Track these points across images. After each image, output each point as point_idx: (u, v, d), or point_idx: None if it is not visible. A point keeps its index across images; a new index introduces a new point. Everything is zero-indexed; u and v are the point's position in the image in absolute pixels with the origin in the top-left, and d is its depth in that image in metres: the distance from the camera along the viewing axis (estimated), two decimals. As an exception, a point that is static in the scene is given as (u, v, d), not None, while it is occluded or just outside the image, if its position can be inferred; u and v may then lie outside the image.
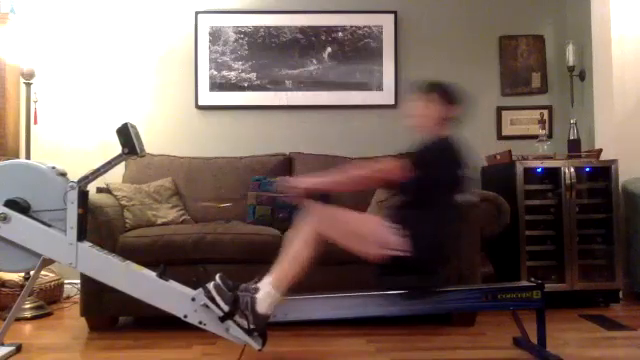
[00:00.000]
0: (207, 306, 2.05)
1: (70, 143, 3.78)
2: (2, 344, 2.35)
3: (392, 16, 3.87)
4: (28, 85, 3.28)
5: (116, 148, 2.24)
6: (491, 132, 3.92)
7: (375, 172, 2.19)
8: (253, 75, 3.84)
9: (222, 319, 2.04)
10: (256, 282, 2.13)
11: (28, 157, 3.27)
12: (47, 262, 2.26)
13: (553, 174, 3.28)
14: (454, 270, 2.77)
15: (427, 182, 2.17)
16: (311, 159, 3.60)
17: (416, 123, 2.37)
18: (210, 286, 2.06)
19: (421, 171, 2.15)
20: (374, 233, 2.14)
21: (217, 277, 2.10)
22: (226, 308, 2.02)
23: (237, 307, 2.03)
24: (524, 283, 2.49)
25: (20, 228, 2.18)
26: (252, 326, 2.04)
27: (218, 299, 2.02)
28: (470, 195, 2.38)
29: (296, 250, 2.13)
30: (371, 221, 2.23)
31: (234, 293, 2.07)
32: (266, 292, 2.06)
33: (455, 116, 2.34)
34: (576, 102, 3.80)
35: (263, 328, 2.08)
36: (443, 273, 2.29)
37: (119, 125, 2.22)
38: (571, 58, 3.71)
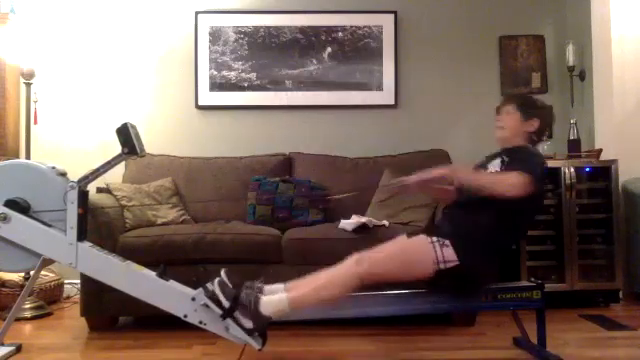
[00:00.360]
0: (207, 306, 2.05)
1: (70, 143, 3.77)
2: (2, 344, 2.35)
3: (392, 16, 3.87)
4: (28, 85, 3.28)
5: (116, 148, 2.24)
6: (491, 132, 3.88)
7: (506, 186, 2.07)
8: (253, 75, 3.84)
9: (223, 316, 2.02)
10: (261, 281, 2.12)
11: (28, 157, 3.27)
12: (47, 262, 2.26)
13: (553, 174, 3.27)
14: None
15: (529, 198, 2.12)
16: (311, 159, 3.59)
17: (500, 134, 2.40)
18: (214, 282, 2.05)
19: (537, 187, 2.11)
20: (425, 252, 2.11)
21: (222, 272, 2.08)
22: (227, 305, 2.00)
23: (238, 304, 2.02)
24: (524, 283, 2.49)
25: (20, 228, 2.18)
26: (252, 325, 2.03)
27: (220, 295, 2.00)
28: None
29: (330, 283, 2.07)
30: (417, 243, 2.16)
31: (237, 290, 2.05)
32: (278, 300, 2.03)
33: (536, 130, 2.35)
34: (576, 102, 3.80)
35: (263, 329, 2.07)
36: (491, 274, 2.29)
37: (119, 125, 2.22)
38: (571, 58, 3.71)
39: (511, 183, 2.06)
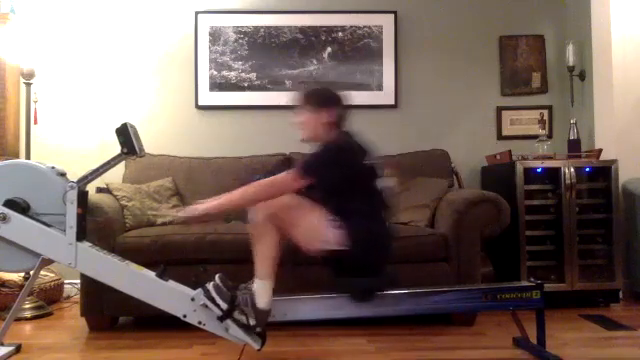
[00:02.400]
0: (206, 306, 2.06)
1: (70, 143, 3.77)
2: (2, 344, 2.35)
3: (392, 16, 3.87)
4: (28, 85, 3.28)
5: (116, 148, 2.24)
6: (491, 132, 3.92)
7: (268, 187, 2.15)
8: (253, 75, 3.84)
9: (221, 318, 2.04)
10: (253, 281, 2.14)
11: (28, 157, 3.27)
12: (46, 262, 2.26)
13: (553, 174, 3.28)
14: (453, 270, 2.78)
15: (329, 183, 2.20)
16: (311, 159, 3.59)
17: (304, 135, 2.39)
18: (209, 286, 2.07)
19: (315, 176, 2.15)
20: (315, 225, 2.15)
21: (216, 277, 2.12)
22: (225, 307, 2.03)
23: (236, 306, 2.05)
24: (524, 283, 2.49)
25: (20, 228, 2.18)
26: (253, 322, 2.05)
27: (217, 298, 2.04)
28: (388, 180, 2.37)
29: (260, 238, 2.15)
30: (315, 213, 2.19)
31: (233, 293, 2.08)
32: (257, 285, 2.11)
33: (334, 119, 2.33)
34: (576, 102, 3.80)
35: (264, 325, 2.09)
36: (387, 273, 2.28)
37: (119, 125, 2.22)
38: (571, 58, 3.70)
39: (276, 182, 2.15)
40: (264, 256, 2.14)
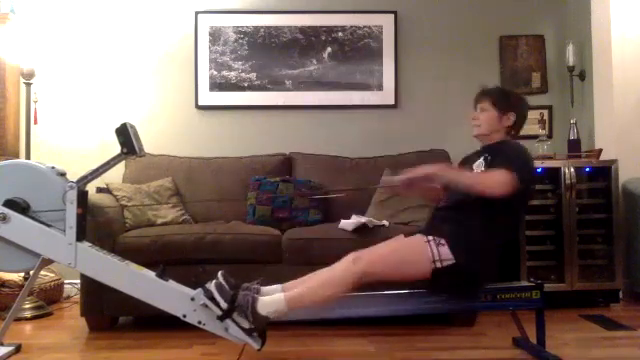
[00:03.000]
0: (206, 306, 2.05)
1: (70, 143, 3.77)
2: (2, 344, 2.35)
3: (392, 16, 3.87)
4: (28, 85, 3.28)
5: (116, 148, 2.24)
6: (491, 132, 3.91)
7: (493, 184, 2.07)
8: (253, 75, 3.84)
9: (221, 318, 2.03)
10: (258, 282, 2.12)
11: (28, 157, 3.27)
12: (46, 262, 2.26)
13: (553, 174, 3.27)
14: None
15: (523, 192, 2.14)
16: (311, 159, 3.59)
17: (480, 130, 2.39)
18: (211, 284, 2.05)
19: (523, 184, 2.10)
20: (421, 252, 2.11)
21: (219, 274, 2.09)
22: (225, 306, 2.01)
23: (236, 306, 2.03)
24: (524, 283, 2.49)
25: (19, 228, 2.18)
26: (251, 326, 2.03)
27: (218, 297, 2.01)
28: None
29: (327, 282, 2.07)
30: (413, 242, 2.17)
31: (235, 292, 2.06)
32: (276, 300, 2.03)
33: (513, 124, 2.35)
34: (576, 102, 3.80)
35: (262, 329, 2.08)
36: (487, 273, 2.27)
37: (118, 125, 2.22)
38: (571, 58, 3.70)
39: (496, 181, 2.07)
40: (314, 297, 2.05)
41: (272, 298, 2.04)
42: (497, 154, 2.24)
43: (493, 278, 2.28)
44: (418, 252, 2.12)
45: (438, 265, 2.08)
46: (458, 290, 2.20)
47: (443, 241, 2.11)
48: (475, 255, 2.14)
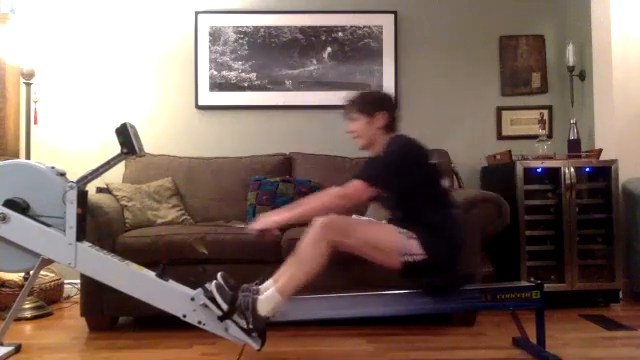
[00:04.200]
0: (206, 306, 2.06)
1: (70, 143, 3.77)
2: (1, 344, 2.35)
3: (392, 16, 3.87)
4: (28, 85, 3.28)
5: (116, 148, 2.24)
6: (491, 132, 3.92)
7: (338, 198, 2.14)
8: (253, 75, 3.84)
9: (221, 318, 2.04)
10: (257, 283, 2.13)
11: (28, 157, 3.27)
12: (46, 262, 2.26)
13: (553, 174, 3.27)
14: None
15: (397, 190, 2.19)
16: (311, 159, 3.59)
17: (360, 143, 2.36)
18: (211, 285, 2.06)
19: (382, 185, 2.14)
20: (392, 242, 2.13)
21: (219, 276, 2.11)
22: (225, 307, 2.02)
23: (236, 307, 2.03)
24: (523, 283, 2.50)
25: (19, 228, 2.18)
26: (251, 326, 2.04)
27: (218, 298, 2.02)
28: (446, 180, 2.38)
29: (307, 257, 2.08)
30: (386, 230, 2.19)
31: (234, 293, 2.07)
32: (270, 295, 2.05)
33: (388, 122, 2.33)
34: (576, 102, 3.80)
35: (262, 329, 2.08)
36: (461, 270, 2.28)
37: (118, 125, 2.22)
38: (571, 58, 3.70)
39: (341, 195, 2.13)
40: (298, 277, 2.07)
41: (267, 295, 2.05)
42: (366, 163, 2.28)
43: (460, 274, 2.27)
44: (390, 239, 2.14)
45: (409, 259, 2.10)
46: (429, 284, 2.20)
47: (413, 235, 2.13)
48: (443, 250, 2.15)
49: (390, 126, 2.33)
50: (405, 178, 2.16)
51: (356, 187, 2.12)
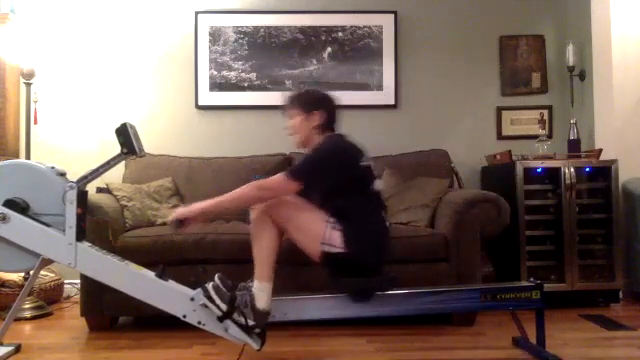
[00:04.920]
0: (206, 306, 2.06)
1: (70, 143, 3.78)
2: (1, 344, 2.35)
3: (392, 16, 3.87)
4: (28, 85, 3.28)
5: (116, 148, 2.24)
6: (491, 132, 3.92)
7: (260, 189, 2.15)
8: (253, 75, 3.84)
9: (221, 319, 2.05)
10: (252, 280, 2.14)
11: (28, 157, 3.27)
12: (46, 262, 2.26)
13: (553, 174, 3.27)
14: (453, 270, 2.78)
15: (320, 187, 2.22)
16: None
17: (296, 140, 2.39)
18: (209, 286, 2.07)
19: (304, 181, 2.15)
20: (315, 227, 2.16)
21: (216, 277, 2.12)
22: (224, 308, 2.03)
23: (235, 306, 2.04)
24: (523, 283, 2.49)
25: (19, 228, 2.18)
26: (252, 323, 2.05)
27: (216, 299, 2.04)
28: (380, 182, 2.38)
29: (258, 234, 2.16)
30: (314, 215, 2.21)
31: (232, 293, 2.08)
32: (256, 287, 2.11)
33: (324, 121, 2.34)
34: (576, 102, 3.80)
35: (263, 325, 2.09)
36: (386, 273, 2.28)
37: (118, 125, 2.22)
38: (571, 58, 3.70)
39: (264, 186, 2.15)
40: (262, 257, 2.15)
41: (255, 288, 2.11)
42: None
43: (373, 266, 2.26)
44: (313, 225, 2.17)
45: (326, 249, 2.13)
46: (350, 281, 2.20)
47: (339, 227, 2.14)
48: (365, 249, 2.16)
49: (326, 126, 2.35)
50: (330, 176, 2.19)
51: (278, 180, 2.14)
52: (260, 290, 2.10)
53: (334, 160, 2.21)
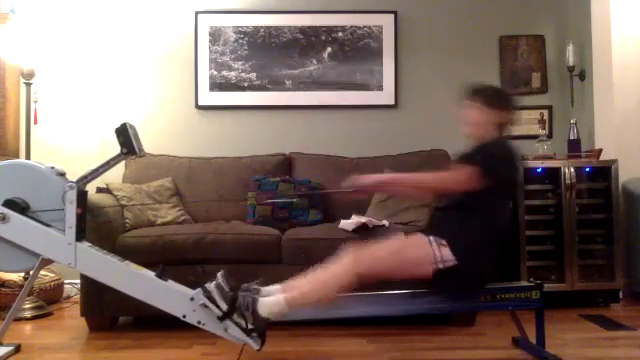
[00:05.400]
0: (206, 306, 2.05)
1: (70, 143, 3.77)
2: (1, 344, 2.35)
3: (392, 16, 3.87)
4: (28, 85, 3.28)
5: (116, 148, 2.24)
6: (491, 132, 3.91)
7: (445, 179, 2.13)
8: (253, 75, 3.84)
9: (221, 318, 2.04)
10: (257, 283, 2.13)
11: (28, 157, 3.27)
12: (46, 262, 2.26)
13: (553, 174, 3.27)
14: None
15: (490, 189, 2.15)
16: (311, 159, 3.60)
17: (469, 130, 2.36)
18: (211, 285, 2.06)
19: (491, 178, 2.11)
20: (424, 253, 2.11)
21: (218, 276, 2.10)
22: (225, 307, 2.02)
23: (236, 307, 2.03)
24: (523, 283, 2.50)
25: (19, 228, 2.18)
26: (251, 326, 2.04)
27: (218, 298, 2.02)
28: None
29: (328, 285, 2.07)
30: (416, 242, 2.16)
31: (234, 293, 2.07)
32: (275, 301, 2.04)
33: (505, 121, 2.34)
34: (576, 102, 3.80)
35: (262, 330, 2.08)
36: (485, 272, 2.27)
37: (118, 125, 2.22)
38: (571, 58, 3.70)
39: (454, 178, 2.12)
40: (312, 298, 2.06)
41: (272, 300, 2.04)
42: (480, 153, 2.23)
43: (492, 277, 2.28)
44: (420, 252, 2.11)
45: (440, 266, 2.08)
46: (459, 290, 2.19)
47: (444, 242, 2.11)
48: (475, 255, 2.13)
49: (503, 127, 2.34)
50: (512, 175, 2.21)
51: (472, 174, 2.09)
52: (276, 306, 2.03)
53: (513, 166, 2.22)
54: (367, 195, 2.23)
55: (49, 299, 3.31)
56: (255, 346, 2.06)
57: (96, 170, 2.24)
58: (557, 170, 3.26)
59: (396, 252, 2.15)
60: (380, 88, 3.86)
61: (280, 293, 2.07)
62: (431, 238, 2.12)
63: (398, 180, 2.17)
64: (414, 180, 2.18)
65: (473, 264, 2.13)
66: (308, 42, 3.85)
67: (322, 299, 2.07)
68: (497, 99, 2.34)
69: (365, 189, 2.19)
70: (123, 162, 3.31)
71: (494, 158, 2.18)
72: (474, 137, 2.35)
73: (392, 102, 3.87)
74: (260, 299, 2.04)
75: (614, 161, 3.30)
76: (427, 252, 2.10)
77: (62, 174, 2.32)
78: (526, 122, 3.90)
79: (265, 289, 2.11)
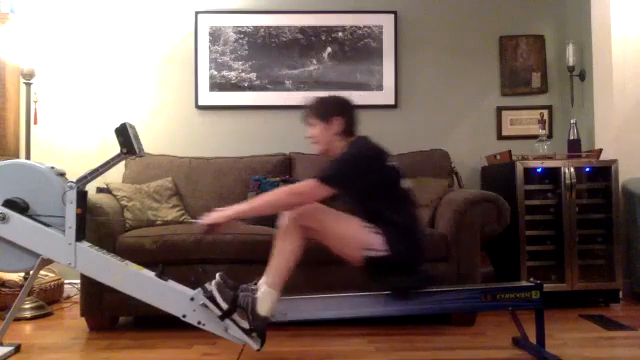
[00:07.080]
0: (206, 306, 2.06)
1: (70, 143, 3.77)
2: (1, 344, 2.35)
3: (392, 16, 3.87)
4: (28, 85, 3.28)
5: (116, 148, 2.24)
6: (491, 132, 3.92)
7: (291, 195, 2.15)
8: (253, 75, 3.84)
9: (221, 318, 2.04)
10: (256, 283, 2.14)
11: (28, 157, 3.27)
12: (46, 262, 2.26)
13: (553, 174, 3.28)
14: (453, 270, 2.78)
15: (355, 191, 2.22)
16: (311, 159, 3.59)
17: (319, 149, 2.39)
18: (211, 284, 2.07)
19: (339, 186, 2.16)
20: (354, 234, 2.17)
21: (218, 276, 2.11)
22: (225, 307, 2.03)
23: (236, 306, 2.04)
24: (523, 283, 2.49)
25: (19, 228, 2.18)
26: (251, 327, 2.04)
27: (218, 297, 2.03)
28: (406, 181, 2.37)
29: (284, 245, 2.15)
30: (351, 221, 2.22)
31: (234, 293, 2.08)
32: (263, 292, 2.08)
33: (345, 126, 2.33)
34: (576, 102, 3.80)
35: (262, 329, 2.08)
36: (424, 272, 2.29)
37: (118, 125, 2.22)
38: (571, 58, 3.70)
39: (295, 192, 2.14)
40: (281, 266, 2.13)
41: (262, 292, 2.08)
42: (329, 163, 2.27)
43: (418, 268, 2.29)
44: (351, 232, 2.17)
45: (371, 254, 2.13)
46: (392, 282, 2.21)
47: (379, 230, 2.15)
48: (405, 248, 2.17)
49: (347, 131, 2.35)
50: (363, 179, 2.19)
51: (310, 185, 2.13)
52: (267, 295, 2.07)
53: (364, 163, 2.22)
54: (222, 232, 2.24)
55: (49, 299, 3.31)
56: (255, 346, 2.06)
57: (96, 170, 2.24)
58: (557, 170, 3.26)
59: (334, 219, 2.20)
60: (380, 88, 3.86)
61: (263, 284, 2.11)
62: (366, 224, 2.18)
63: (245, 211, 2.16)
64: (263, 204, 2.17)
65: (405, 257, 2.18)
66: (308, 42, 3.86)
67: (289, 261, 2.13)
68: (324, 109, 2.35)
69: (215, 227, 2.17)
70: (123, 162, 3.31)
71: (335, 167, 2.21)
72: (325, 153, 2.38)
73: (392, 102, 3.87)
74: (257, 297, 2.07)
75: (614, 161, 3.30)
76: (360, 234, 2.16)
77: (62, 174, 2.33)
78: (526, 122, 3.90)
79: (257, 286, 2.14)
